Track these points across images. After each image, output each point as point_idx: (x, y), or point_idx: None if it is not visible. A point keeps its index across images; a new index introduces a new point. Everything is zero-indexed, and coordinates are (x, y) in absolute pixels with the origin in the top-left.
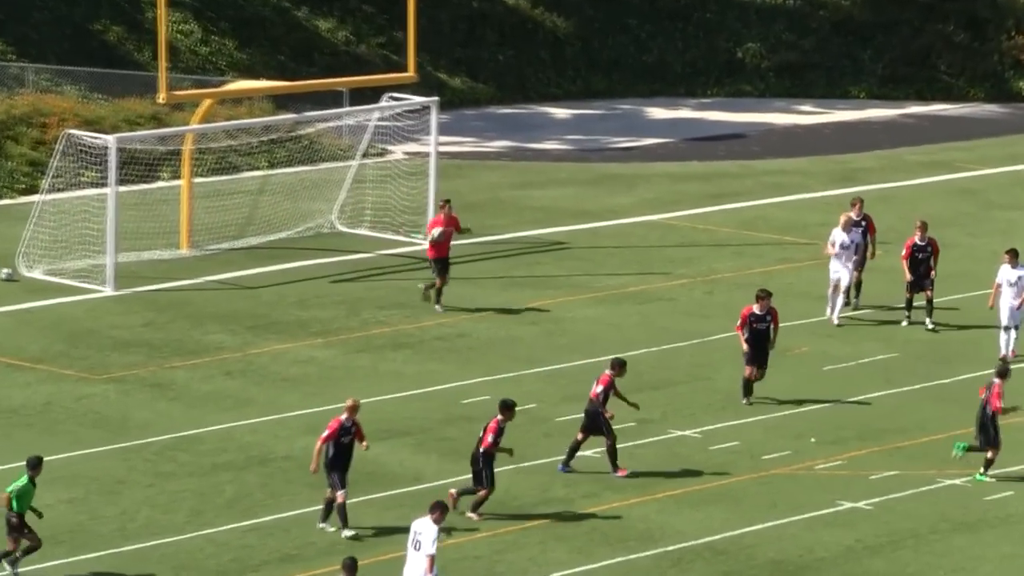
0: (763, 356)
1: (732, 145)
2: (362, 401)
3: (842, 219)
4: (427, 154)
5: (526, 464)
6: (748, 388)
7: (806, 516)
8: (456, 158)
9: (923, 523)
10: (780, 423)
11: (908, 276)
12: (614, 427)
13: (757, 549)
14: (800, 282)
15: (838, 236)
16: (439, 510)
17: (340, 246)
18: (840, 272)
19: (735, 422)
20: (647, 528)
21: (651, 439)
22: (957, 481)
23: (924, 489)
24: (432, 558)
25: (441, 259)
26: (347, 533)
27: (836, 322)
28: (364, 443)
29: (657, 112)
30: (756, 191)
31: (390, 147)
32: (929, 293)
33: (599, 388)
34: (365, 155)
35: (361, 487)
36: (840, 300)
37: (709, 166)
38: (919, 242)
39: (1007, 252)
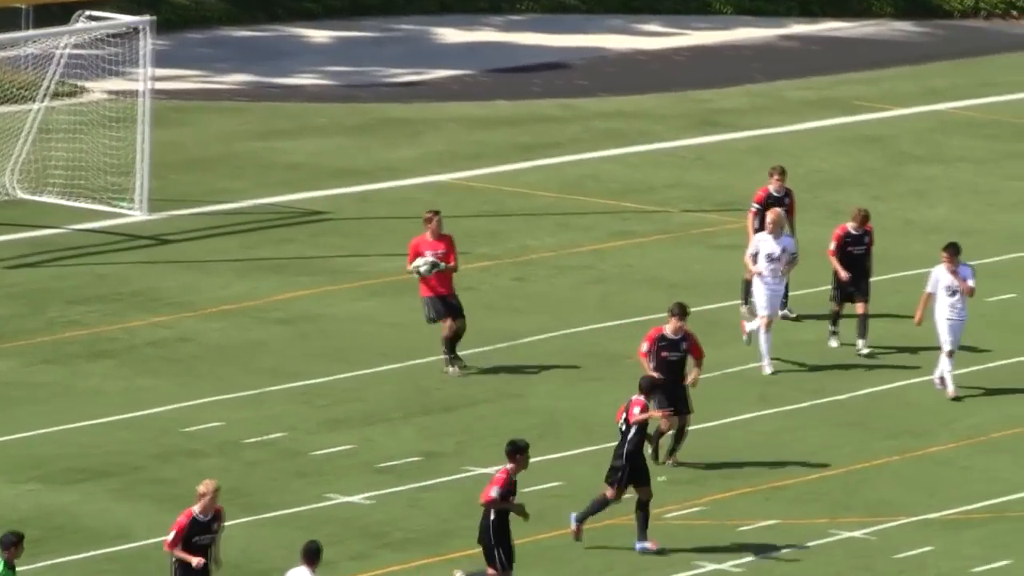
0: (680, 397)
1: (552, 78)
2: (49, 430)
3: (759, 206)
4: (137, 93)
5: (271, 514)
6: (659, 444)
7: None
8: (177, 98)
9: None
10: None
11: (843, 275)
12: None
13: None
14: (644, 264)
15: (763, 244)
16: (311, 556)
17: (18, 219)
18: (769, 299)
19: (555, 455)
20: None
21: (442, 479)
22: (857, 533)
23: (813, 544)
24: None
25: (441, 298)
26: None
27: (770, 371)
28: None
29: (450, 34)
30: (585, 141)
31: (87, 84)
32: (862, 306)
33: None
34: (52, 95)
35: (45, 547)
36: (765, 341)
37: (520, 107)
38: (853, 231)
39: (945, 250)
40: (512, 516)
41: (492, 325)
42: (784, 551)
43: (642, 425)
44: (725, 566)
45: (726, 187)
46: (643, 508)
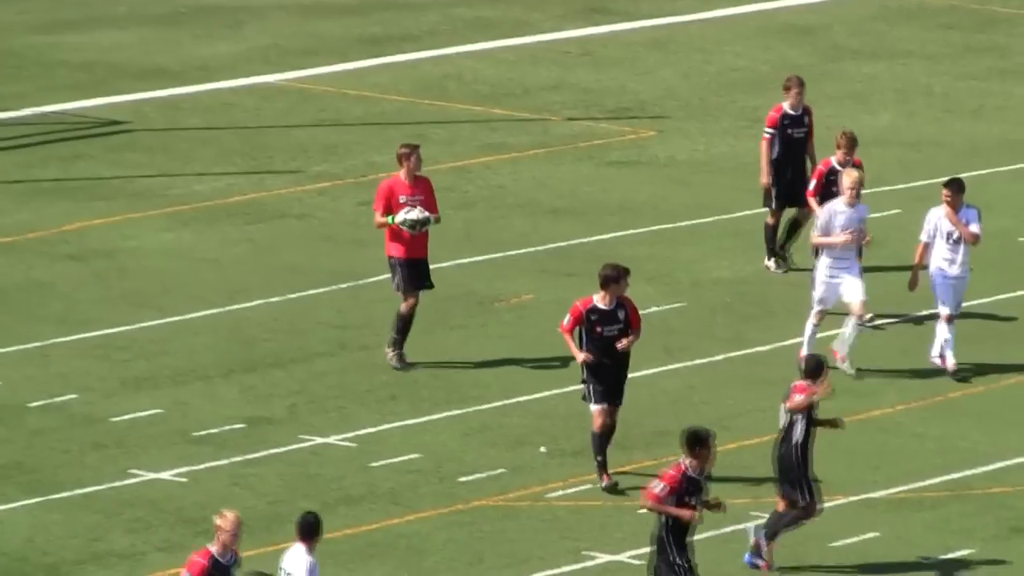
0: (616, 383)
1: None
2: None
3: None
4: None
5: (62, 495)
6: (602, 442)
7: (525, 571)
8: None
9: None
10: (487, 420)
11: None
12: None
13: None
14: (519, 185)
15: (837, 213)
16: (307, 531)
17: None
18: (840, 283)
19: (412, 420)
20: None
21: (272, 450)
22: None
23: (730, 529)
24: None
25: (416, 263)
26: None
27: (851, 372)
28: None
29: None
30: (445, 33)
31: None
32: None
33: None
34: None
35: None
36: (851, 326)
37: None
38: (838, 165)
39: (946, 187)
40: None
41: (331, 263)
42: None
43: (808, 414)
44: (622, 557)
45: (620, 90)
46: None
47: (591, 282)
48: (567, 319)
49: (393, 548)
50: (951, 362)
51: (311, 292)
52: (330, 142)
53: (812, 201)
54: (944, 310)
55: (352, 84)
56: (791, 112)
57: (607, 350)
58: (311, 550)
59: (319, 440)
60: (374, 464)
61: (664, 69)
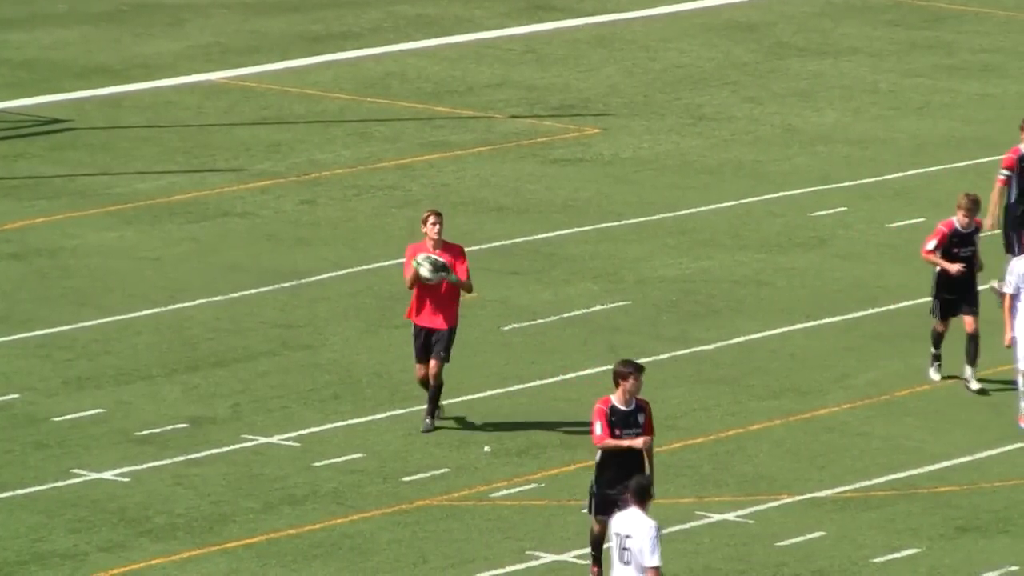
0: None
1: None
2: None
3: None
4: None
5: (3, 495)
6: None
7: (468, 570)
8: None
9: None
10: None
11: (950, 267)
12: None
13: None
14: (463, 183)
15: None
16: (641, 495)
17: None
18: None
19: (355, 420)
20: None
21: (216, 449)
22: (730, 516)
23: (675, 529)
24: (658, 570)
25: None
26: None
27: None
28: None
29: None
30: (388, 30)
31: None
32: (972, 323)
33: None
34: None
35: None
36: None
37: None
38: (962, 228)
39: None
40: None
41: (274, 260)
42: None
43: None
44: (566, 556)
45: (564, 87)
46: None
47: (535, 280)
48: (597, 426)
49: (337, 548)
50: None
51: (254, 291)
52: (272, 140)
53: (934, 258)
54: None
55: (294, 82)
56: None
57: (624, 465)
58: (646, 512)
59: (262, 440)
60: (317, 464)
61: (608, 66)
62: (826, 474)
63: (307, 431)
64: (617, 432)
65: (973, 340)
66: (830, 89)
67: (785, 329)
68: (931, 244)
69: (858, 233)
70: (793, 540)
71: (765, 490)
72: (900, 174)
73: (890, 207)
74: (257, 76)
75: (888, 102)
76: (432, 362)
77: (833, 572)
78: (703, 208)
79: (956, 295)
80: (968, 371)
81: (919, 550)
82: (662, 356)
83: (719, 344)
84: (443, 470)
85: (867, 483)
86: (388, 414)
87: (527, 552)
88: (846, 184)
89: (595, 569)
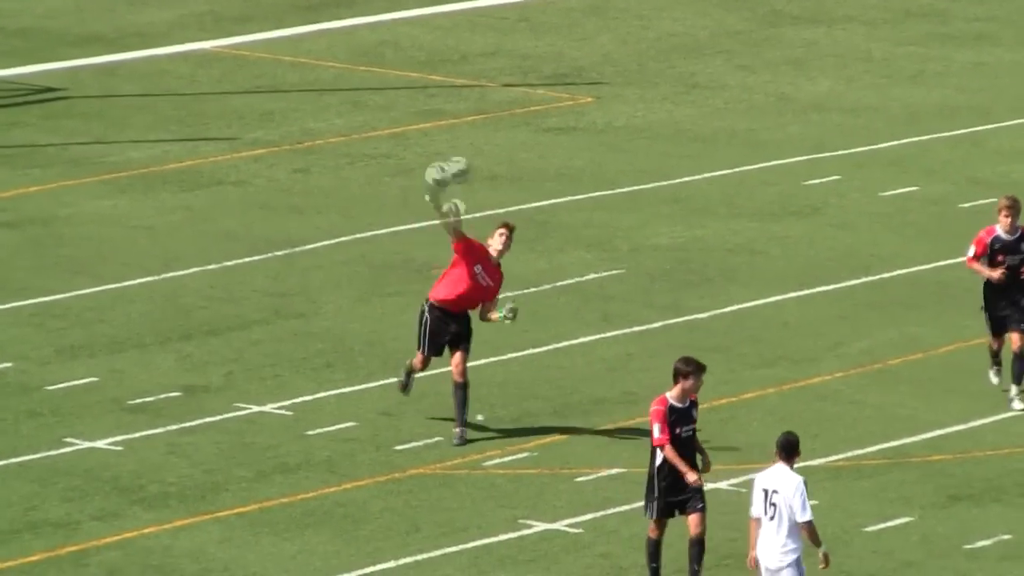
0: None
1: None
2: None
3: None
4: None
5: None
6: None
7: (471, 546)
8: None
9: (665, 551)
10: (424, 388)
11: (991, 273)
12: None
13: None
14: (458, 151)
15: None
16: (789, 450)
17: None
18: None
19: (348, 388)
20: (202, 568)
21: (209, 418)
22: (723, 484)
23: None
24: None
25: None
26: None
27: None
28: None
29: None
30: (381, 0)
31: None
32: (1018, 339)
33: None
34: None
35: None
36: None
37: None
38: (1005, 235)
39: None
40: None
41: (267, 229)
42: (630, 507)
43: None
44: (558, 525)
45: (558, 56)
46: None
47: (528, 249)
48: (655, 429)
49: (329, 516)
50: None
51: (247, 260)
52: (266, 109)
53: (981, 268)
54: None
55: (288, 51)
56: None
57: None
58: (791, 467)
59: (255, 408)
60: (310, 432)
61: (602, 35)
62: (819, 443)
63: (300, 400)
64: (677, 431)
65: (1019, 359)
66: (824, 57)
67: (778, 298)
68: (971, 251)
69: (851, 202)
70: None
71: (758, 459)
72: (893, 143)
73: (883, 176)
74: (250, 45)
75: (881, 70)
76: (458, 355)
77: (825, 540)
78: (696, 177)
79: (1006, 309)
80: (1014, 389)
81: (911, 519)
82: (655, 324)
83: (712, 313)
84: (436, 439)
85: (860, 452)
86: (381, 383)
87: (520, 521)
88: (839, 153)
89: None
